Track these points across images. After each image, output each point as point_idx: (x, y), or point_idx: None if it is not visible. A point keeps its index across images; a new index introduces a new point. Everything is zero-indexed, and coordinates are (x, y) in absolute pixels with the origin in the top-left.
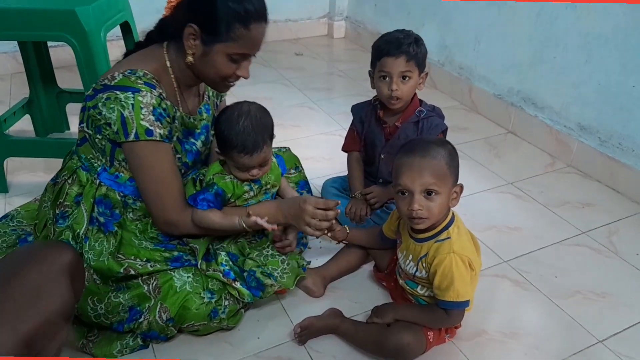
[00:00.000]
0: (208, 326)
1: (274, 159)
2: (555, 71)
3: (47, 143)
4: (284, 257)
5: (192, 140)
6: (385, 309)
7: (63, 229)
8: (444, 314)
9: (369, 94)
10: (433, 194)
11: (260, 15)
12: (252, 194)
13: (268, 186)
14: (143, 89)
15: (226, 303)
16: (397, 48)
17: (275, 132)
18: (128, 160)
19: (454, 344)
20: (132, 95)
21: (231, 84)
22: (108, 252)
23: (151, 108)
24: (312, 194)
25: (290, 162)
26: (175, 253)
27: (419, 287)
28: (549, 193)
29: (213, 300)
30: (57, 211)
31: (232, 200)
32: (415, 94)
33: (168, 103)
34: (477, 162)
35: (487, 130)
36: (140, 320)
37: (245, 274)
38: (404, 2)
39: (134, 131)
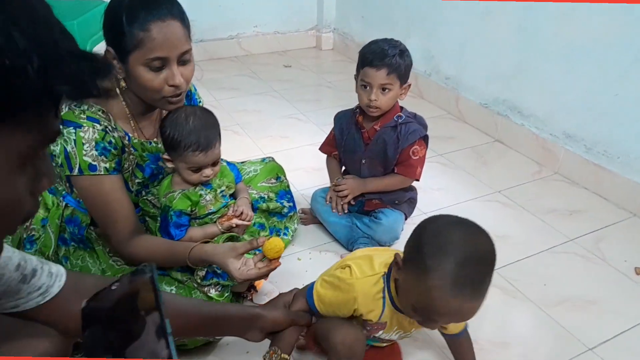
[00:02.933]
0: (194, 340)
1: (224, 163)
2: (539, 80)
3: None
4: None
5: (161, 164)
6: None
7: (32, 253)
8: (468, 335)
9: (356, 104)
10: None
11: (159, 15)
12: (208, 198)
13: (223, 188)
14: (85, 124)
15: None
16: (379, 60)
17: (264, 143)
18: (76, 191)
19: (443, 352)
20: (73, 130)
21: (173, 98)
22: (100, 269)
23: (93, 143)
24: (293, 204)
25: (272, 171)
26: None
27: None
28: (536, 201)
29: None
30: (25, 235)
31: (194, 209)
32: (396, 102)
33: (115, 135)
34: (465, 170)
35: (474, 139)
36: None
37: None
38: (390, 14)
39: (77, 166)
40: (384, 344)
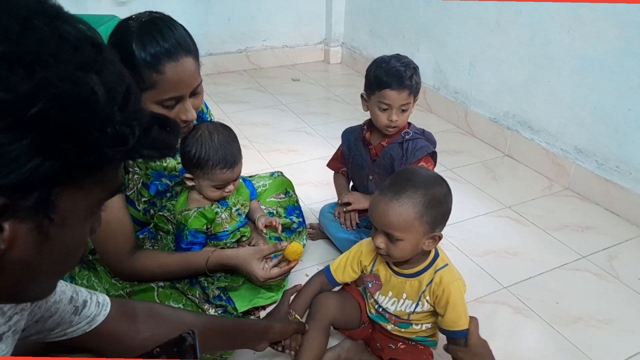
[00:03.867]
0: (203, 357)
1: (240, 180)
2: (549, 94)
3: None
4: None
5: (166, 180)
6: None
7: None
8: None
9: (365, 118)
10: (394, 239)
11: (172, 52)
12: (224, 217)
13: (238, 207)
14: None
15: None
16: (399, 82)
17: (272, 157)
18: None
19: None
20: None
21: (183, 129)
22: (105, 289)
23: None
24: (302, 219)
25: (281, 186)
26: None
27: (413, 325)
28: (548, 216)
29: None
30: None
31: (210, 226)
32: None
33: None
34: (474, 185)
35: (483, 154)
36: None
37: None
38: (399, 28)
39: None
40: (390, 325)
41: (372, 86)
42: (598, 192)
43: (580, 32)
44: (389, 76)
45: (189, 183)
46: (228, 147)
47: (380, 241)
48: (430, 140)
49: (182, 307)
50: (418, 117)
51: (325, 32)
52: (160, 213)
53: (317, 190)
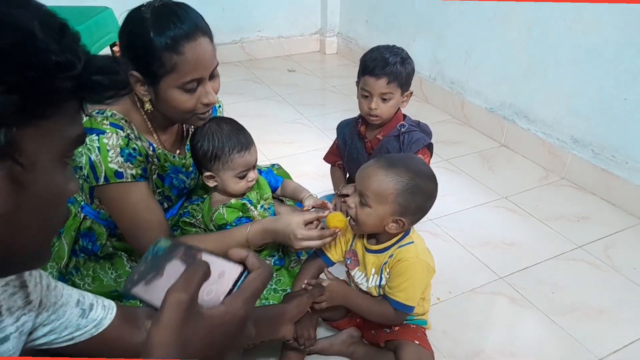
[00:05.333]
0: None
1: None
2: (547, 84)
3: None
4: (287, 289)
5: (182, 177)
6: (336, 289)
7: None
8: (391, 310)
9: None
10: (364, 204)
11: (190, 34)
12: (255, 213)
13: (262, 203)
14: (108, 130)
15: None
16: (380, 68)
17: (268, 149)
18: (102, 202)
19: None
20: (96, 137)
21: (204, 114)
22: (112, 278)
23: (118, 150)
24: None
25: (287, 178)
26: None
27: None
28: (544, 207)
29: None
30: None
31: (243, 216)
32: (398, 109)
33: (138, 143)
34: (471, 176)
35: (480, 144)
36: None
37: None
38: (395, 18)
39: (103, 174)
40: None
41: (359, 73)
42: (594, 182)
43: (578, 22)
44: (372, 62)
45: (211, 183)
46: (239, 131)
47: (352, 201)
48: (426, 132)
49: None
50: (414, 108)
51: (320, 22)
52: (185, 219)
53: (313, 182)
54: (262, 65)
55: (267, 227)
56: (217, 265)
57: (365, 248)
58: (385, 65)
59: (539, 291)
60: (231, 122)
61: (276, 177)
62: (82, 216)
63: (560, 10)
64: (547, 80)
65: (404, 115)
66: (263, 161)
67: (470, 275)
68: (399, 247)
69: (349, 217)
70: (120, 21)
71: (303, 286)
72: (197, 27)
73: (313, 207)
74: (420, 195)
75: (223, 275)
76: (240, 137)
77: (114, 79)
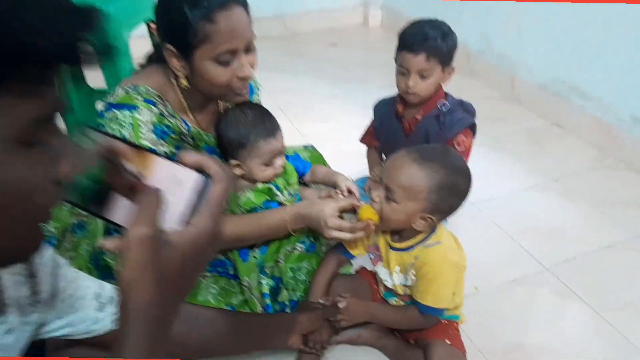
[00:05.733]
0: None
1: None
2: (603, 58)
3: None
4: None
5: (217, 158)
6: (355, 308)
7: (80, 239)
8: (419, 316)
9: None
10: (391, 199)
11: (224, 3)
12: (282, 198)
13: (291, 188)
14: (141, 106)
15: None
16: (419, 44)
17: (305, 126)
18: None
19: (486, 358)
20: (129, 113)
21: (241, 90)
22: None
23: (151, 126)
24: None
25: (320, 161)
26: (221, 257)
27: (395, 299)
28: (597, 191)
29: None
30: (75, 220)
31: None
32: (440, 87)
33: (172, 120)
34: (518, 156)
35: (529, 123)
36: None
37: (277, 305)
38: None
39: None
40: (400, 303)
41: (397, 48)
42: None
43: None
44: (411, 37)
45: (237, 171)
46: (265, 117)
47: (377, 194)
48: (469, 111)
49: (217, 289)
50: (459, 84)
51: None
52: None
53: (350, 161)
54: (303, 40)
55: (301, 212)
56: (173, 170)
57: (389, 245)
58: (424, 40)
59: (587, 284)
60: (256, 107)
61: (304, 162)
62: None
63: None
64: (604, 53)
65: (446, 94)
66: (299, 139)
67: (512, 264)
68: (425, 246)
69: None
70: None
71: (321, 301)
72: None
73: (349, 189)
74: (453, 193)
75: (181, 184)
76: (266, 123)
77: (71, 47)
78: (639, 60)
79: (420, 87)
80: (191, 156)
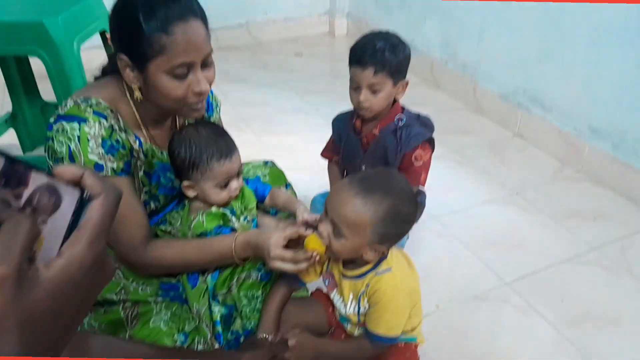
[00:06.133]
0: None
1: (243, 183)
2: (564, 69)
3: (28, 160)
4: None
5: (170, 175)
6: (305, 345)
7: None
8: (368, 345)
9: None
10: (339, 234)
11: (181, 13)
12: (237, 225)
13: (246, 214)
14: (91, 119)
15: (199, 347)
16: (368, 57)
17: (268, 140)
18: None
19: None
20: (77, 125)
21: (196, 105)
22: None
23: (100, 140)
24: None
25: (280, 179)
26: (173, 281)
27: (350, 325)
28: (557, 203)
29: (185, 344)
30: None
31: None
32: (396, 101)
33: (123, 135)
34: (480, 169)
35: (491, 134)
36: None
37: (230, 334)
38: None
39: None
40: (355, 330)
41: (348, 62)
42: (614, 176)
43: (597, 2)
44: (360, 50)
45: (190, 193)
46: (219, 137)
47: (324, 228)
48: (426, 125)
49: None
50: (425, 94)
51: (329, 2)
52: (162, 227)
53: (312, 176)
54: (269, 49)
55: (250, 240)
56: (53, 188)
57: (341, 273)
58: (372, 53)
59: (547, 299)
60: (211, 126)
61: (264, 185)
62: None
63: None
64: (564, 64)
65: (403, 108)
66: (261, 153)
67: (473, 279)
68: (376, 274)
69: None
70: (109, 8)
71: (267, 337)
72: (189, 8)
73: (306, 222)
74: (400, 221)
75: (61, 204)
76: (220, 144)
77: None
78: (597, 71)
79: (371, 101)
80: (67, 170)
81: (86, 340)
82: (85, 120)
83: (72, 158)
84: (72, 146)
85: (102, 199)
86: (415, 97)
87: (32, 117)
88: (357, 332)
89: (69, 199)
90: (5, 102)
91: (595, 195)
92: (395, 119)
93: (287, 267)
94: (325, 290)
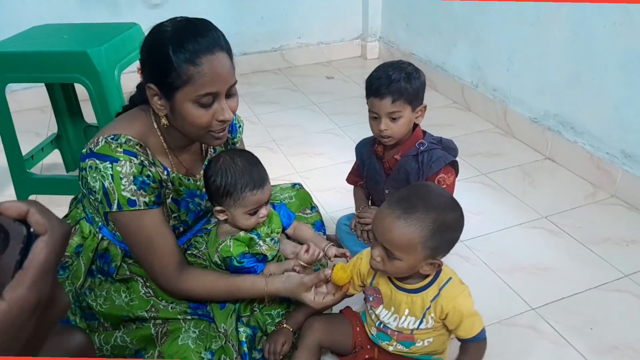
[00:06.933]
0: None
1: (270, 208)
2: (594, 93)
3: (70, 181)
4: None
5: (198, 200)
6: None
7: (63, 279)
8: (482, 345)
9: None
10: (392, 257)
11: (208, 47)
12: (264, 248)
13: (273, 235)
14: (122, 158)
15: None
16: (384, 87)
17: (298, 160)
18: (116, 227)
19: None
20: (110, 165)
21: (219, 133)
22: (125, 302)
23: (131, 178)
24: (325, 235)
25: (305, 201)
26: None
27: (416, 343)
28: (588, 228)
29: None
30: None
31: (248, 251)
32: (417, 125)
33: (152, 170)
34: (509, 192)
35: (522, 157)
36: None
37: (255, 353)
38: (436, 22)
39: (116, 202)
40: (392, 344)
41: (365, 93)
42: None
43: (627, 26)
44: (376, 80)
45: (221, 217)
46: (253, 168)
47: (377, 254)
48: (449, 148)
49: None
50: (456, 116)
51: (362, 26)
52: (189, 251)
53: (340, 197)
54: (301, 73)
55: (281, 291)
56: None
57: (395, 285)
58: (389, 84)
59: (575, 326)
60: (246, 155)
61: (289, 213)
62: (100, 237)
63: (607, 13)
64: (595, 88)
65: (424, 132)
66: (291, 174)
67: (499, 304)
68: (440, 286)
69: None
70: None
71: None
72: (216, 42)
73: (335, 256)
74: (448, 230)
75: (8, 239)
76: (253, 174)
77: None
78: (629, 95)
79: (392, 129)
80: (13, 207)
81: None
82: (117, 160)
83: (106, 194)
84: (106, 184)
85: (47, 237)
86: (446, 119)
87: (75, 138)
88: (392, 347)
89: (16, 236)
90: (51, 124)
91: (628, 221)
92: (416, 144)
93: (331, 303)
94: (368, 306)
